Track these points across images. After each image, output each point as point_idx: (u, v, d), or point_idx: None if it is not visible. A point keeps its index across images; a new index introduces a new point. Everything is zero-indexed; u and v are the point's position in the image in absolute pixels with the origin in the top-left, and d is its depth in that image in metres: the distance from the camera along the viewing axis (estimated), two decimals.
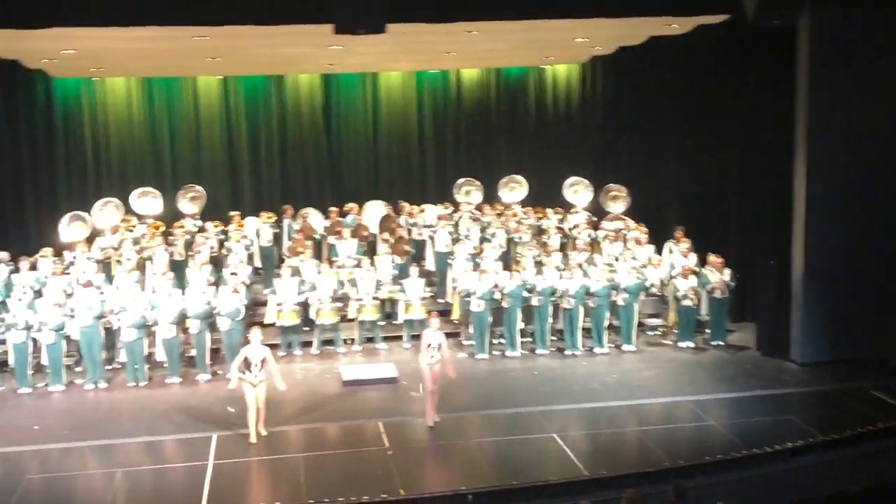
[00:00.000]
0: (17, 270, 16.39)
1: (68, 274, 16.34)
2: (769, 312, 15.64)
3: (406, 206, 19.26)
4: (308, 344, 16.27)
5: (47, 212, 19.04)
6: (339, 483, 10.87)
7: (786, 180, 15.04)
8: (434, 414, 12.59)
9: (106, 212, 18.17)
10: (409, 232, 18.48)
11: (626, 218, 18.67)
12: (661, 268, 16.76)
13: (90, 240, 17.55)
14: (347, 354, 16.12)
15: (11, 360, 14.76)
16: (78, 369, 15.17)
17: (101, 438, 12.63)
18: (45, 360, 14.80)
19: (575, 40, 17.09)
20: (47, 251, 17.00)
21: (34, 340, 14.84)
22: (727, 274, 15.98)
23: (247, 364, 12.05)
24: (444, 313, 17.28)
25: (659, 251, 17.33)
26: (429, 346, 12.47)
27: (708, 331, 16.27)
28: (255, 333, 12.41)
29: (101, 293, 15.31)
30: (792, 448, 11.50)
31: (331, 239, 18.08)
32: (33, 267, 16.50)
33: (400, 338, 16.58)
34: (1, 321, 14.73)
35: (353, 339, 16.43)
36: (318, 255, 17.82)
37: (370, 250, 18.16)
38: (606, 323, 16.00)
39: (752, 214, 17.13)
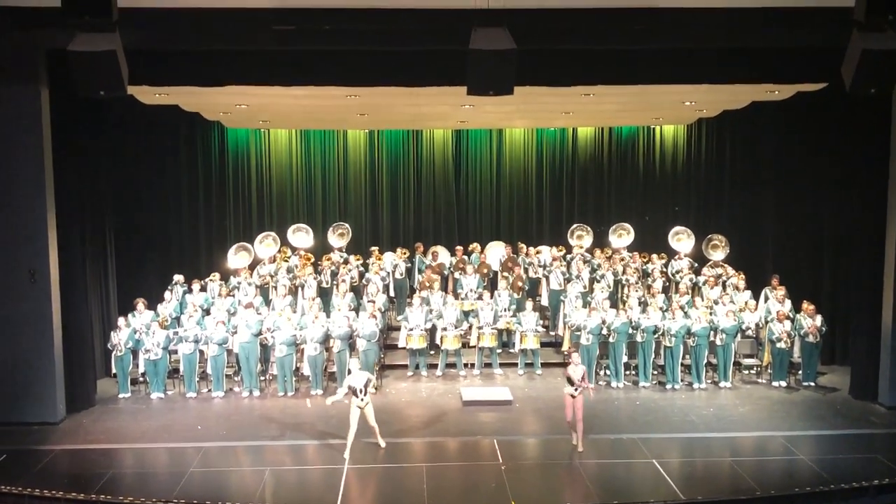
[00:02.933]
0: (189, 291, 17.07)
1: (232, 296, 16.93)
2: (860, 357, 14.95)
3: (524, 247, 19.22)
4: (433, 366, 16.38)
5: (217, 242, 19.74)
6: (457, 492, 10.82)
7: (879, 234, 14.37)
8: (583, 440, 12.22)
9: (265, 244, 18.68)
10: (527, 271, 18.41)
11: (725, 265, 18.16)
12: (757, 312, 16.24)
13: (252, 267, 18.08)
14: (467, 377, 16.14)
15: (182, 368, 15.32)
16: (236, 378, 15.57)
17: (253, 440, 12.89)
18: (209, 370, 15.27)
19: (683, 104, 16.84)
20: (215, 276, 17.67)
21: (201, 352, 15.34)
22: (819, 320, 15.39)
23: (353, 391, 12.09)
24: (555, 345, 17.24)
25: (756, 297, 16.78)
26: (571, 379, 12.14)
27: (800, 372, 15.64)
28: (354, 363, 12.63)
29: (259, 314, 15.79)
30: (878, 485, 10.85)
31: (456, 274, 18.20)
32: (203, 289, 17.19)
33: (515, 365, 16.50)
34: (175, 334, 15.33)
35: (472, 364, 16.46)
36: (444, 287, 17.95)
37: (491, 285, 18.22)
38: (705, 361, 15.60)
39: (846, 265, 16.44)
